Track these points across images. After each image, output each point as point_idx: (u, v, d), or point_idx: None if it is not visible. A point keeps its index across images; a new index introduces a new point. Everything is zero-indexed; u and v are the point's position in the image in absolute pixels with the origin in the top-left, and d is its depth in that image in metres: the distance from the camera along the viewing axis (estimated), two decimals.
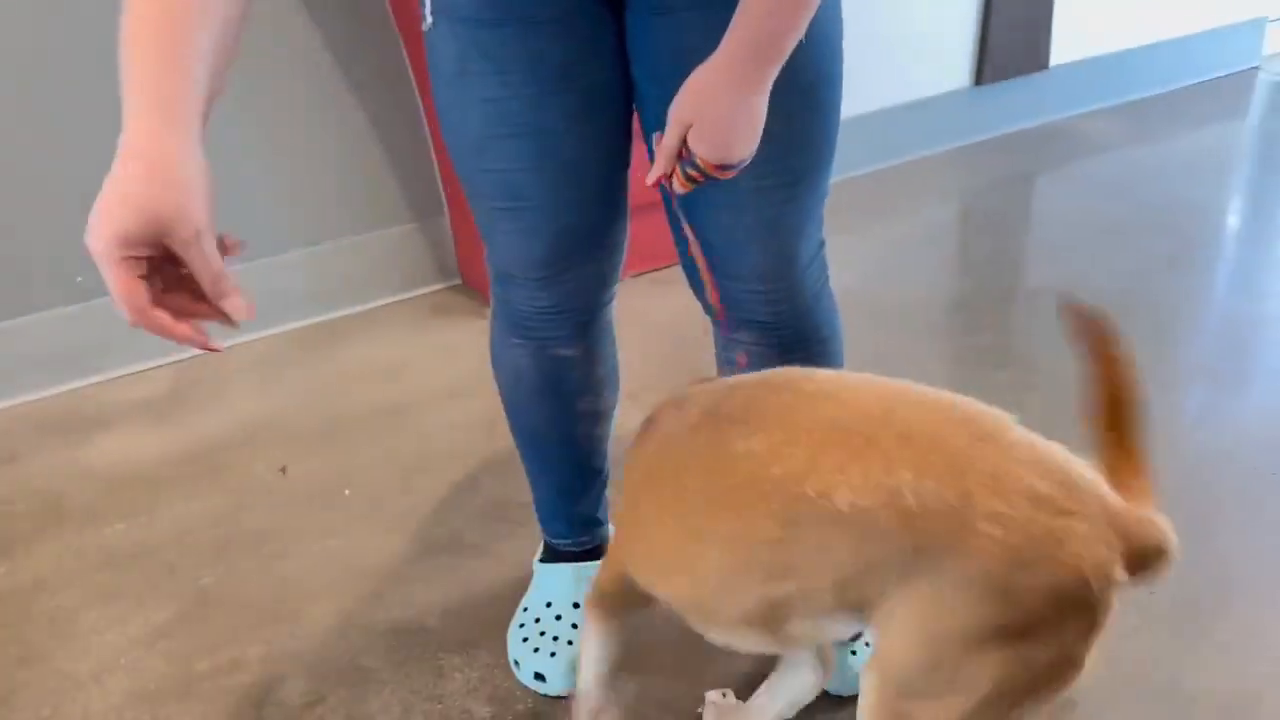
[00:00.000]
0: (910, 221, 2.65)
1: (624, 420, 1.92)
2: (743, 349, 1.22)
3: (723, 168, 0.93)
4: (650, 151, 1.07)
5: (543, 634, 1.38)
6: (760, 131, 0.93)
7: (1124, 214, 2.69)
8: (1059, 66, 3.25)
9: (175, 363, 2.25)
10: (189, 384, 2.18)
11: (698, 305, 1.26)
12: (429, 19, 1.07)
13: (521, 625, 1.41)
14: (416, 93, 2.30)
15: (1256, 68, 3.67)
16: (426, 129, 2.35)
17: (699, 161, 0.94)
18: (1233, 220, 2.71)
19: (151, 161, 0.74)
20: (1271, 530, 1.58)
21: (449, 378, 2.11)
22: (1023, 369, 2.04)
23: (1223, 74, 3.63)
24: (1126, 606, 1.45)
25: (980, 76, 3.13)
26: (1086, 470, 0.82)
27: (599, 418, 1.36)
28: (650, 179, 0.99)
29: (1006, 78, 3.16)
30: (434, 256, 2.48)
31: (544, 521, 1.46)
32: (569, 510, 1.42)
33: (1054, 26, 3.17)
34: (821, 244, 1.20)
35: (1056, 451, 0.82)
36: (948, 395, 0.88)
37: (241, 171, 2.22)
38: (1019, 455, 0.80)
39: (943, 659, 0.82)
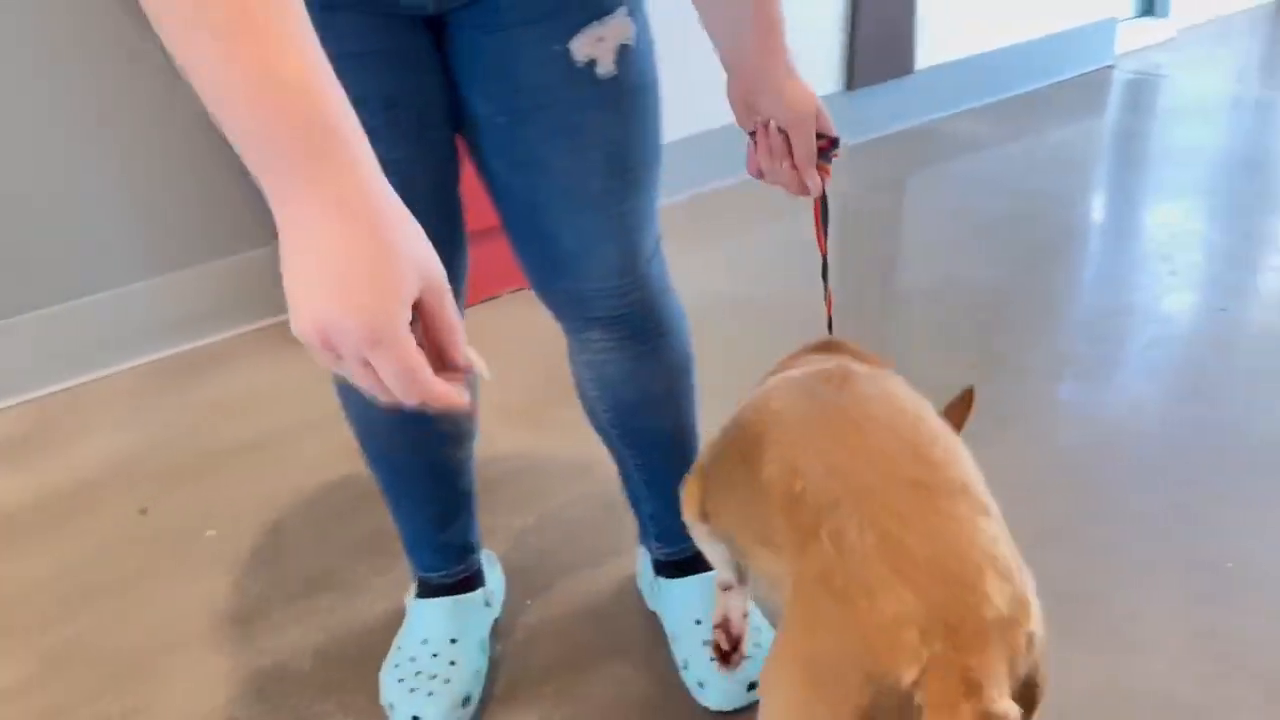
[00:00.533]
0: (787, 226, 2.66)
1: (501, 438, 1.88)
2: (598, 346, 1.23)
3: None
4: (487, 171, 1.12)
5: (418, 674, 1.32)
6: None
7: (993, 211, 2.75)
8: (925, 70, 3.32)
9: (32, 400, 2.12)
10: (47, 423, 2.05)
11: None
12: None
13: (396, 665, 1.35)
14: None
15: (1111, 66, 3.81)
16: None
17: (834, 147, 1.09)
18: (1094, 214, 2.79)
19: (403, 212, 0.65)
20: (1139, 519, 1.62)
21: (313, 407, 2.03)
22: (900, 369, 2.05)
23: (1080, 73, 3.75)
24: None
25: (850, 82, 3.18)
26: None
27: (461, 439, 1.32)
28: (816, 192, 1.13)
29: (875, 82, 3.22)
30: None
31: (413, 554, 1.40)
32: (438, 540, 1.37)
33: (917, 31, 3.23)
34: (659, 238, 1.23)
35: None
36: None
37: (95, 198, 2.11)
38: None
39: None
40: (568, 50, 1.02)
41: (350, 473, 1.82)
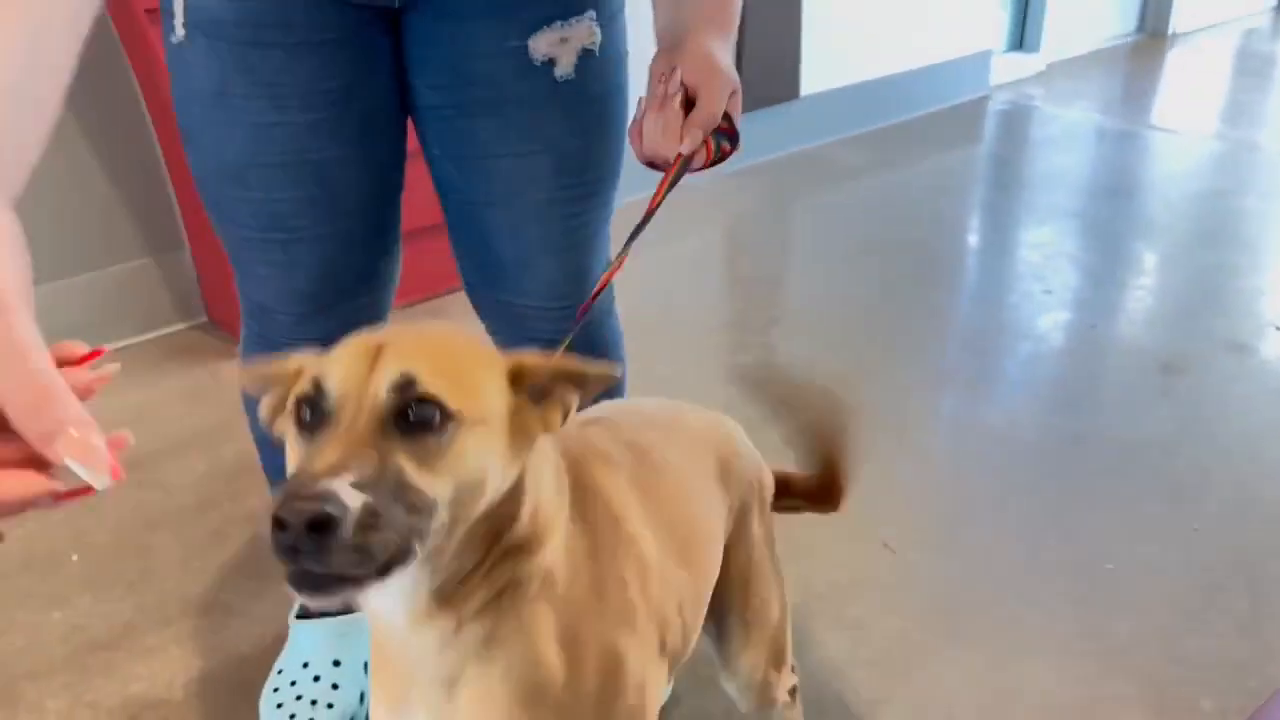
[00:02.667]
0: (677, 245, 2.68)
1: None
2: None
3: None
4: (433, 165, 1.08)
5: (299, 698, 1.26)
6: None
7: (874, 233, 2.82)
8: (809, 96, 3.39)
9: None
10: None
11: (480, 330, 1.21)
12: (180, 33, 0.96)
13: (275, 690, 1.29)
14: (148, 117, 2.13)
15: (986, 96, 3.96)
16: (161, 157, 2.18)
17: (735, 134, 0.96)
18: (971, 236, 2.88)
19: None
20: (1015, 527, 1.67)
21: (192, 424, 1.95)
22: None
23: (957, 102, 3.89)
24: (879, 606, 1.49)
25: None
26: None
27: None
28: (691, 147, 0.91)
29: (761, 107, 3.27)
30: (174, 293, 2.29)
31: None
32: None
33: (803, 58, 3.30)
34: (609, 260, 1.18)
35: None
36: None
37: None
38: None
39: None
40: (525, 46, 0.99)
41: (224, 493, 1.75)
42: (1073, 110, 3.84)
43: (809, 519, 1.67)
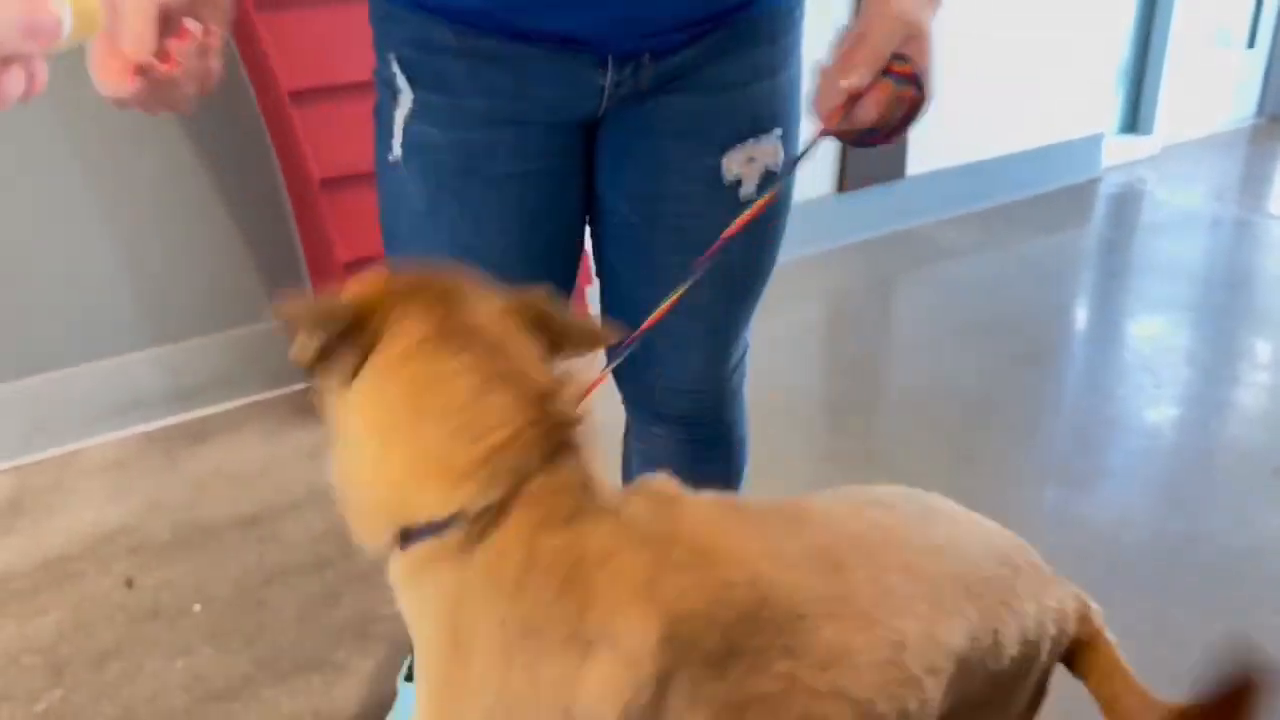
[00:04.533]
0: (779, 322, 2.71)
1: None
2: (660, 440, 1.23)
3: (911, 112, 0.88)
4: (599, 261, 1.12)
5: None
6: None
7: (977, 316, 2.81)
8: (915, 176, 3.41)
9: (18, 467, 2.11)
10: (32, 490, 2.05)
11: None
12: (396, 152, 1.03)
13: None
14: (283, 188, 2.26)
15: (1097, 179, 3.92)
16: (295, 230, 2.30)
17: (915, 77, 0.86)
18: (1078, 323, 2.85)
19: None
20: (1120, 631, 1.63)
21: (311, 483, 2.04)
22: (888, 470, 2.08)
23: (1066, 184, 3.86)
24: None
25: (842, 184, 3.26)
26: None
27: None
28: (850, 84, 0.85)
29: (866, 185, 3.30)
30: None
31: None
32: None
33: (910, 138, 3.32)
34: (747, 346, 1.22)
35: None
36: None
37: (100, 263, 2.14)
38: None
39: None
40: (719, 165, 1.03)
41: (339, 552, 1.82)
42: (1187, 195, 3.78)
43: None
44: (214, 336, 2.31)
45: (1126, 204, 3.76)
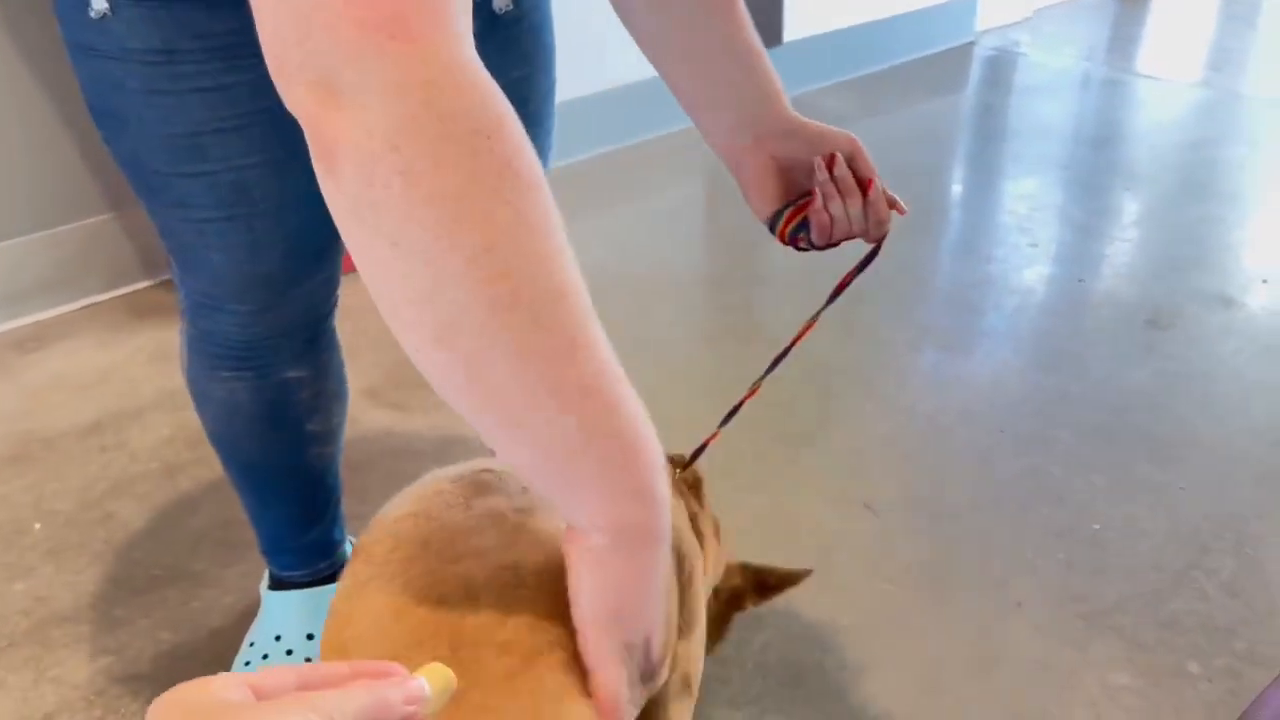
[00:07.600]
0: (658, 198, 2.62)
1: (366, 420, 1.79)
2: None
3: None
4: None
5: None
6: None
7: None
8: (792, 43, 3.32)
9: None
10: None
11: None
12: (100, 5, 0.85)
13: (247, 663, 1.26)
14: None
15: (972, 42, 3.89)
16: None
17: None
18: (955, 187, 2.84)
19: None
20: (1000, 487, 1.64)
21: (158, 387, 1.89)
22: (769, 344, 2.04)
23: (941, 49, 3.82)
24: (862, 569, 1.47)
25: None
26: None
27: (331, 435, 1.23)
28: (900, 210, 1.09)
29: None
30: (137, 250, 2.22)
31: (271, 557, 1.30)
32: (300, 542, 1.27)
33: (785, 4, 3.22)
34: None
35: None
36: None
37: None
38: None
39: None
40: None
41: (193, 458, 1.70)
42: (1059, 57, 3.78)
43: (791, 481, 1.64)
44: (41, 234, 2.11)
45: (1001, 67, 3.74)
